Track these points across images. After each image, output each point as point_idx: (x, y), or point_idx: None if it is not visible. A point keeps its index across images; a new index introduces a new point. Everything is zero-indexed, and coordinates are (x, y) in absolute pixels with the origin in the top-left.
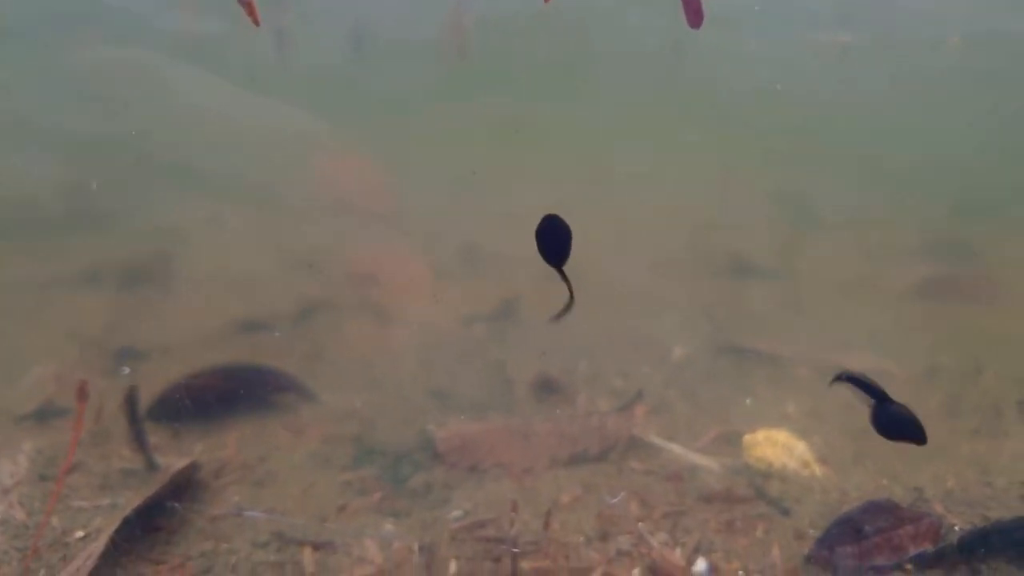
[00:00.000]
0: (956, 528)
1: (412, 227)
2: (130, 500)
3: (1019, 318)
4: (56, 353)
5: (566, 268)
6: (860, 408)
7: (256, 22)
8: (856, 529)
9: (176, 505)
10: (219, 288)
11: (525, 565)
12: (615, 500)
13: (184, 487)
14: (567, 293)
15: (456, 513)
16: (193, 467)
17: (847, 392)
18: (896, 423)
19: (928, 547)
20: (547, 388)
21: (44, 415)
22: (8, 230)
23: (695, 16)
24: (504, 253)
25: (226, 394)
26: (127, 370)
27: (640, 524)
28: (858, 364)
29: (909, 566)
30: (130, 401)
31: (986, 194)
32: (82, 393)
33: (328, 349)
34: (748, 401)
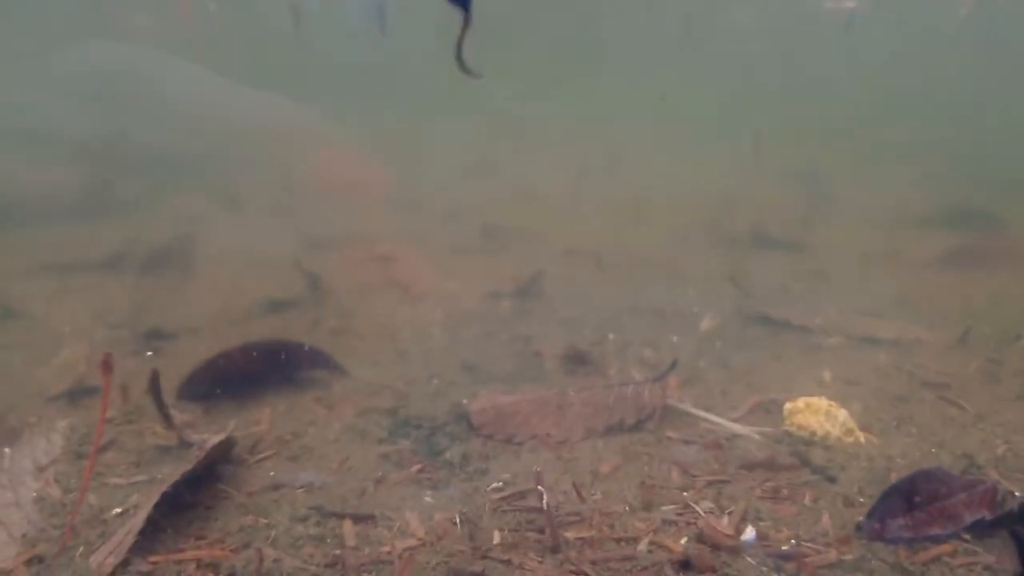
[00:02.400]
0: (1016, 494)
1: (432, 207)
2: (168, 475)
3: None
4: (85, 335)
5: None
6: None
7: None
8: (907, 499)
9: (228, 466)
10: (242, 269)
11: (570, 535)
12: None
13: (221, 462)
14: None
15: (496, 484)
16: (229, 442)
17: (882, 359)
18: None
19: (985, 514)
20: (577, 360)
21: (76, 395)
22: (33, 218)
23: None
24: (525, 230)
25: (257, 371)
26: (150, 353)
27: (684, 494)
28: (890, 332)
29: (967, 535)
30: (153, 384)
31: (1010, 163)
32: (107, 366)
33: (355, 325)
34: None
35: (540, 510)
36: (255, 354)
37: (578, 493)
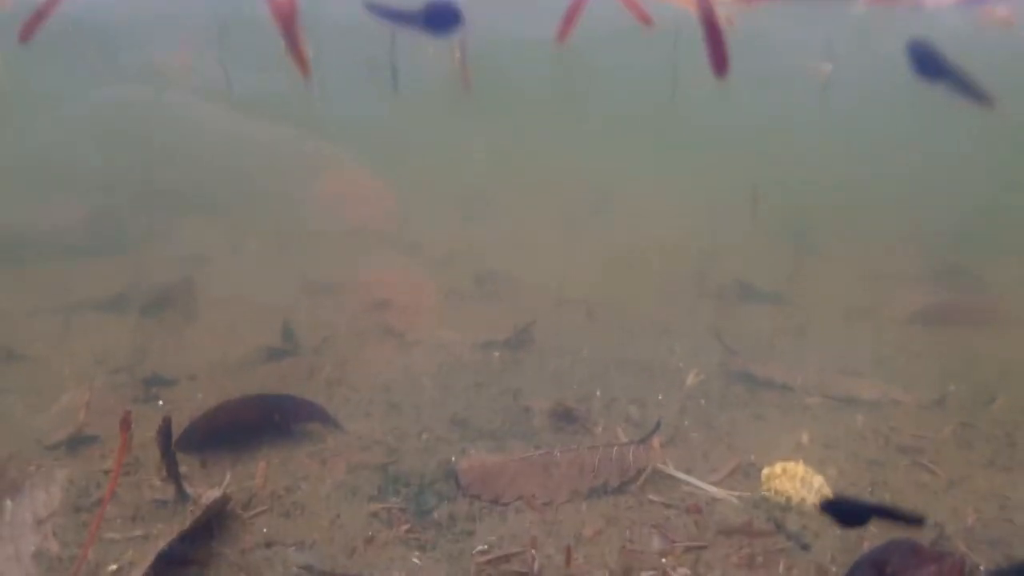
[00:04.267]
0: (981, 568)
1: (426, 253)
2: (163, 532)
3: None
4: (85, 380)
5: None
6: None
7: (306, 72)
8: (879, 570)
9: (222, 522)
10: (241, 314)
11: None
12: None
13: (216, 519)
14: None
15: (482, 547)
16: (225, 499)
17: (860, 421)
18: None
19: None
20: (564, 417)
21: (75, 443)
22: (36, 255)
23: (721, 63)
24: (517, 277)
25: (254, 423)
26: (161, 403)
27: (663, 559)
28: (869, 392)
29: None
30: (164, 432)
31: (986, 219)
32: (125, 424)
33: (349, 375)
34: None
35: (524, 574)
36: (253, 407)
37: (568, 558)
